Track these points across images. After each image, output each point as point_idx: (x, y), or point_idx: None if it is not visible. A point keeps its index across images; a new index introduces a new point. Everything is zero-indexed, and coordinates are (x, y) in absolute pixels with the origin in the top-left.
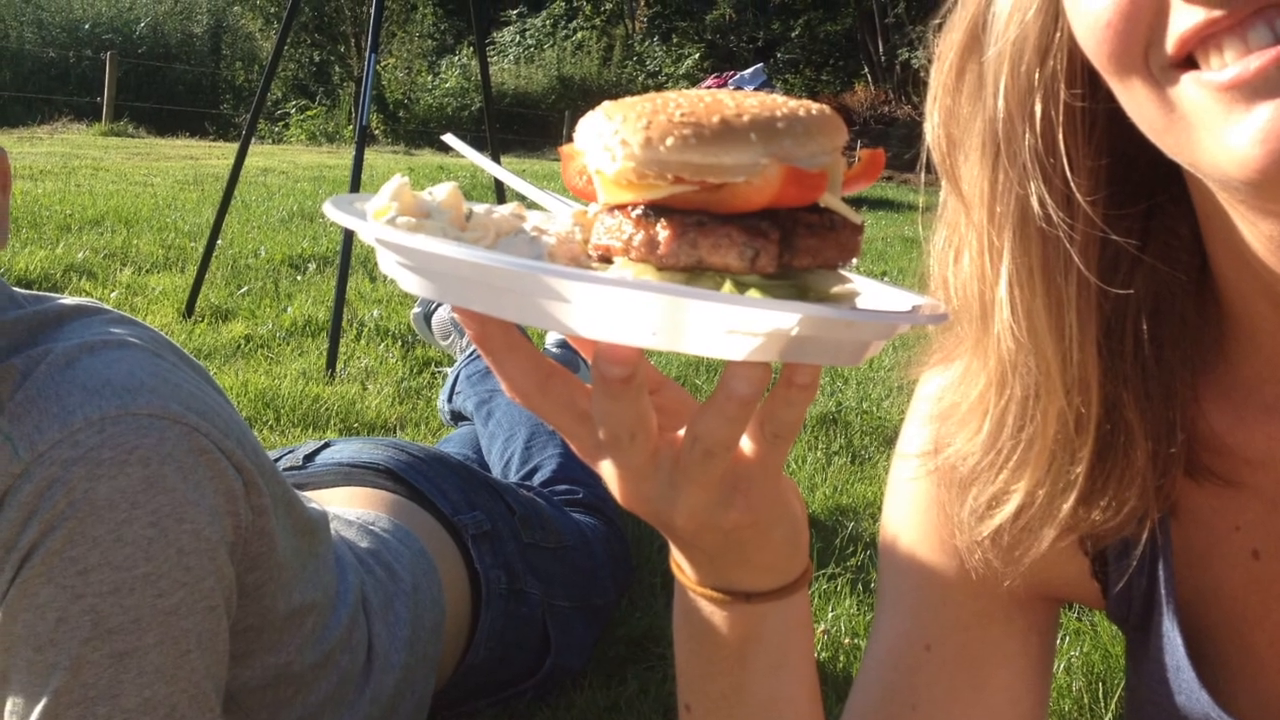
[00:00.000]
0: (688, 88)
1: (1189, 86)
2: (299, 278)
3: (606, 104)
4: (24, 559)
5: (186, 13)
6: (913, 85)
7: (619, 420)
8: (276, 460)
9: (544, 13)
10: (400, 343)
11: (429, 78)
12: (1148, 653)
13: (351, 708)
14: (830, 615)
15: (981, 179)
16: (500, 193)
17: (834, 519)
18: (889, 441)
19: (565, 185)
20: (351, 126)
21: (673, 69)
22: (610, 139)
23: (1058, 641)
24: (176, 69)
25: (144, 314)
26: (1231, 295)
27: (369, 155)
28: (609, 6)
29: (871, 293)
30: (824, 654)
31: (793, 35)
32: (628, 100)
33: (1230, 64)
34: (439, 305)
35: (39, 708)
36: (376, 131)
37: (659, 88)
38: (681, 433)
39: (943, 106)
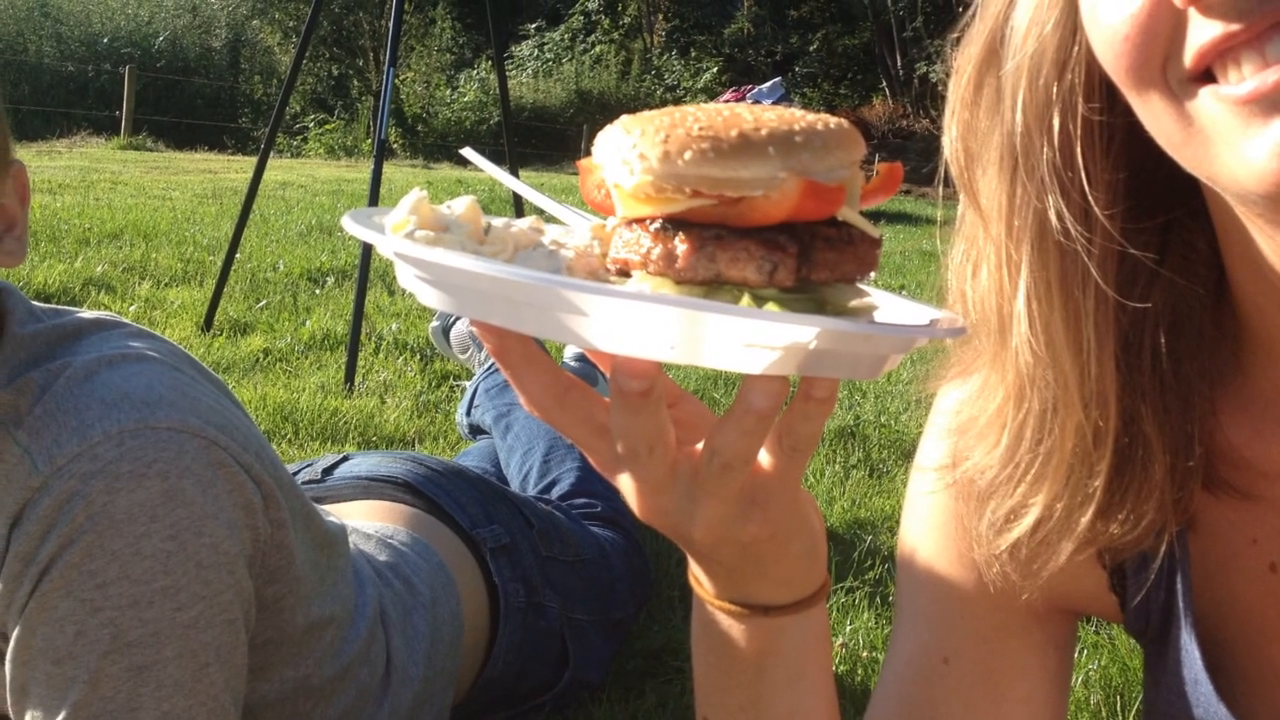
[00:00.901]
0: (706, 102)
1: (1207, 100)
2: (317, 291)
3: (624, 118)
4: (43, 572)
5: (205, 27)
6: (931, 99)
7: (637, 434)
8: (295, 474)
9: (562, 27)
10: (419, 356)
11: (447, 92)
12: (1166, 666)
13: None
14: (848, 628)
15: (999, 193)
16: (518, 206)
17: (852, 532)
18: (907, 455)
19: (583, 199)
20: (370, 140)
21: (691, 83)
22: (628, 153)
23: (1076, 655)
24: (195, 83)
25: (163, 328)
26: (1249, 309)
27: (387, 169)
28: (627, 20)
29: (889, 306)
30: (842, 667)
31: (811, 49)
32: (646, 114)
33: (1248, 77)
34: (457, 319)
35: None
36: (395, 145)
37: (677, 101)
38: (700, 446)
39: (961, 120)
